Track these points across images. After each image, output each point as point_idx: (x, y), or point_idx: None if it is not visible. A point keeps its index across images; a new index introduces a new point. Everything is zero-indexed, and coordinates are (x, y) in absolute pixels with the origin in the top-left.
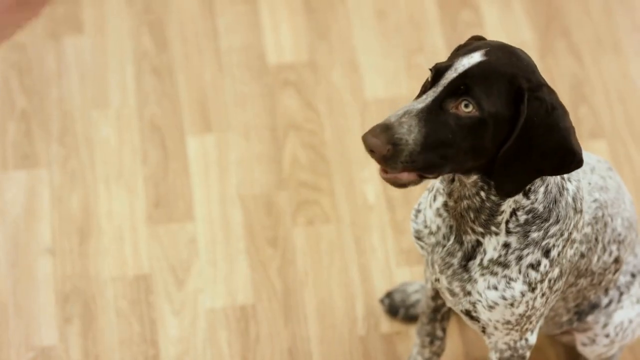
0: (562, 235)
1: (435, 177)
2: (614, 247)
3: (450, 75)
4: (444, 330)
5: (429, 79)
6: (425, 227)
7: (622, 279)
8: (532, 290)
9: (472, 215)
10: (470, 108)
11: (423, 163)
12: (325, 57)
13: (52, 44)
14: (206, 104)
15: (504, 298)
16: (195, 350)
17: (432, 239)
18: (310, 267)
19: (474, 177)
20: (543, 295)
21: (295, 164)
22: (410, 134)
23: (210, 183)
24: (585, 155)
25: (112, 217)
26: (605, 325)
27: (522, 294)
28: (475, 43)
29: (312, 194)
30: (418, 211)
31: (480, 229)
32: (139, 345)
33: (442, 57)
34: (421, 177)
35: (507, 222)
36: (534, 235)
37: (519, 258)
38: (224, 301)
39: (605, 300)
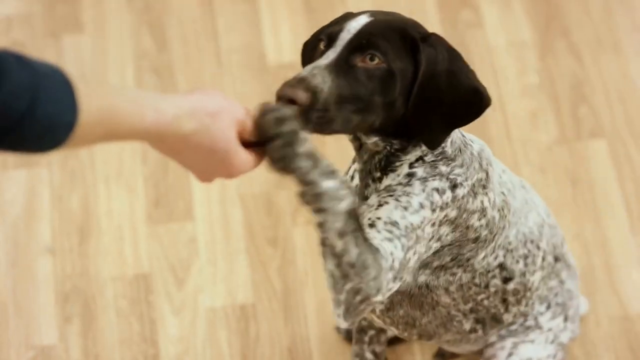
0: (466, 179)
1: (335, 133)
2: (500, 253)
3: (346, 35)
4: (374, 353)
5: (322, 46)
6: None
7: (537, 306)
8: (432, 211)
9: (377, 163)
10: (376, 60)
11: (335, 114)
12: None
13: (52, 43)
14: None
15: (398, 200)
16: (195, 349)
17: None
18: (310, 267)
19: (375, 139)
20: (433, 225)
21: None
22: (324, 84)
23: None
24: (497, 162)
25: (112, 216)
26: (510, 355)
27: (421, 206)
28: (350, 12)
29: None
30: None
31: (378, 174)
32: (139, 345)
33: None
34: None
35: (410, 163)
36: (442, 168)
37: (424, 180)
38: (223, 301)
39: (506, 317)
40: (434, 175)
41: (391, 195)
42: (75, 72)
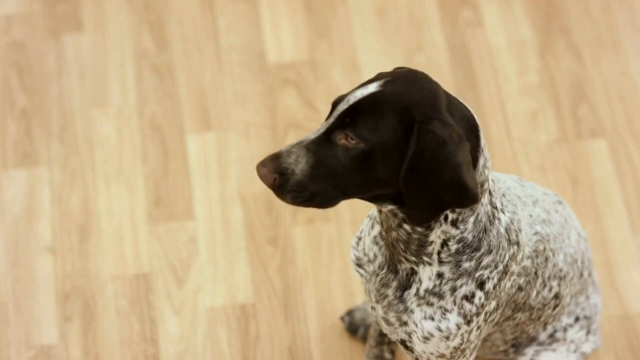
0: (496, 267)
1: (331, 206)
2: (554, 283)
3: (342, 107)
4: (392, 352)
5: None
6: (364, 254)
7: (565, 320)
8: (468, 323)
9: (402, 246)
10: (355, 140)
11: (311, 194)
12: (325, 55)
13: (52, 42)
14: (206, 102)
15: (440, 330)
16: (195, 349)
17: (371, 267)
18: (310, 266)
19: (390, 207)
20: (479, 328)
21: None
22: (297, 164)
23: (211, 182)
24: (530, 187)
25: (112, 215)
26: None
27: (458, 327)
28: (382, 73)
29: None
30: (359, 238)
31: (413, 258)
32: (139, 344)
33: (442, 56)
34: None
35: (439, 253)
36: (466, 265)
37: (453, 289)
38: (224, 300)
39: (543, 335)
40: (460, 276)
41: (432, 319)
42: (76, 71)
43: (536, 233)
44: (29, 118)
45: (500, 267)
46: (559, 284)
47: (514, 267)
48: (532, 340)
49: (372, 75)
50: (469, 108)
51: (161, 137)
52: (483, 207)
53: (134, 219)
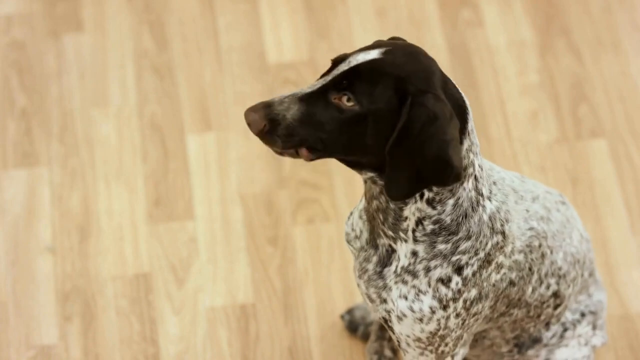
0: (476, 254)
1: (319, 158)
2: (552, 281)
3: (342, 67)
4: (393, 350)
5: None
6: (352, 230)
7: (570, 316)
8: (444, 308)
9: (381, 217)
10: (351, 102)
11: (300, 139)
12: (325, 55)
13: (52, 42)
14: (206, 102)
15: (412, 310)
16: (195, 349)
17: (358, 244)
18: (310, 266)
19: (370, 174)
20: (458, 315)
21: (295, 163)
22: (288, 111)
23: (211, 182)
24: (532, 184)
25: (112, 215)
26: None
27: (432, 310)
28: (381, 41)
29: (312, 193)
30: (351, 213)
31: (391, 233)
32: (139, 344)
33: (442, 55)
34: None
35: (413, 230)
36: (441, 247)
37: (427, 269)
38: (224, 300)
39: (547, 335)
40: (435, 257)
41: (405, 298)
42: (76, 71)
43: (531, 228)
44: (29, 118)
45: (481, 255)
46: (557, 282)
47: (502, 259)
48: (535, 341)
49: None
50: (461, 92)
51: (161, 137)
52: (465, 191)
53: (134, 219)
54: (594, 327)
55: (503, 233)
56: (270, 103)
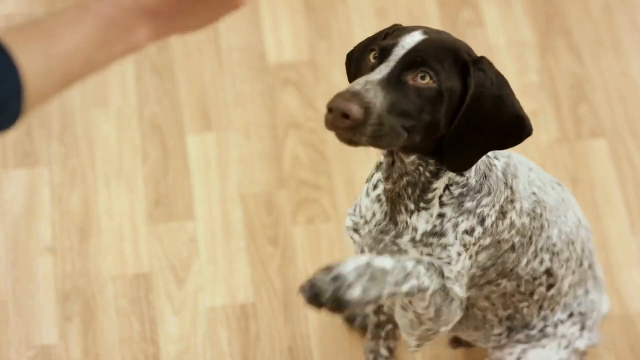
0: (494, 206)
1: (386, 148)
2: (546, 256)
3: (399, 51)
4: (389, 349)
5: (372, 58)
6: (361, 217)
7: (559, 314)
8: (467, 250)
9: (409, 190)
10: (427, 79)
11: (389, 129)
12: (325, 55)
13: None
14: (206, 102)
15: (440, 258)
16: (195, 348)
17: (366, 228)
18: (310, 266)
19: (412, 157)
20: (470, 257)
21: (295, 163)
22: (377, 98)
23: (211, 182)
24: (524, 159)
25: (112, 215)
26: (518, 359)
27: (459, 254)
28: (401, 25)
29: (312, 193)
30: (356, 205)
31: (412, 206)
32: (139, 344)
33: None
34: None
35: (440, 197)
36: (468, 204)
37: (455, 225)
38: (224, 300)
39: (535, 322)
40: (462, 214)
41: (431, 255)
42: None
43: (534, 193)
44: (29, 118)
45: (497, 207)
46: (551, 260)
47: (515, 217)
48: (525, 326)
49: None
50: None
51: (161, 137)
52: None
53: (134, 219)
54: (582, 328)
55: (511, 188)
56: (356, 92)
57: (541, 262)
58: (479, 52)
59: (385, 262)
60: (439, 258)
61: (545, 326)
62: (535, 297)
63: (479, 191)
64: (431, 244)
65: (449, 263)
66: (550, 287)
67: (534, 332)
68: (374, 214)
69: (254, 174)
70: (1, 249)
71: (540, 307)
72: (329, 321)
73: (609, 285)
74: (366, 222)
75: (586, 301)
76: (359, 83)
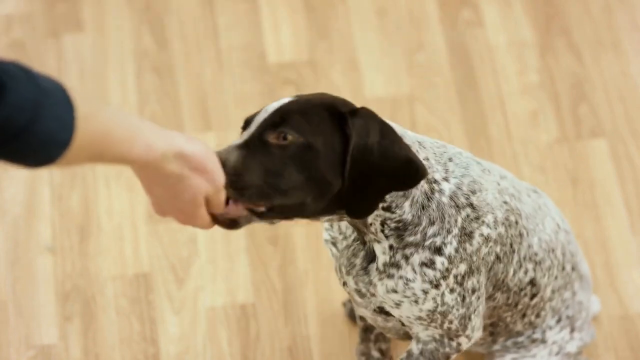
0: (449, 232)
1: (283, 215)
2: (529, 266)
3: (262, 116)
4: (381, 351)
5: (241, 130)
6: (340, 233)
7: (549, 320)
8: (436, 287)
9: (353, 227)
10: (289, 137)
11: (250, 181)
12: (325, 55)
13: (52, 42)
14: (206, 102)
15: (406, 296)
16: (195, 348)
17: (344, 243)
18: (310, 266)
19: (328, 217)
20: (452, 291)
21: None
22: (229, 154)
23: None
24: (496, 168)
25: (112, 215)
26: None
27: (425, 291)
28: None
29: None
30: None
31: (371, 235)
32: (139, 344)
33: (442, 56)
34: (252, 212)
35: (382, 230)
36: (411, 238)
37: (405, 257)
38: (224, 300)
39: (518, 326)
40: (407, 246)
41: (395, 291)
42: (76, 71)
43: (505, 202)
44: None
45: (455, 231)
46: (534, 269)
47: (488, 231)
48: (509, 331)
49: (372, 75)
50: None
51: None
52: (418, 189)
53: (134, 219)
54: (572, 330)
55: (471, 205)
56: (217, 153)
57: (525, 272)
58: (478, 52)
59: None
60: (405, 296)
61: (534, 332)
62: (519, 307)
63: (419, 224)
64: (392, 276)
65: (416, 302)
66: (533, 296)
67: (521, 338)
68: (352, 231)
69: None
70: (1, 249)
71: (524, 315)
72: (329, 321)
73: (609, 286)
74: (345, 238)
75: (574, 303)
76: (223, 149)
